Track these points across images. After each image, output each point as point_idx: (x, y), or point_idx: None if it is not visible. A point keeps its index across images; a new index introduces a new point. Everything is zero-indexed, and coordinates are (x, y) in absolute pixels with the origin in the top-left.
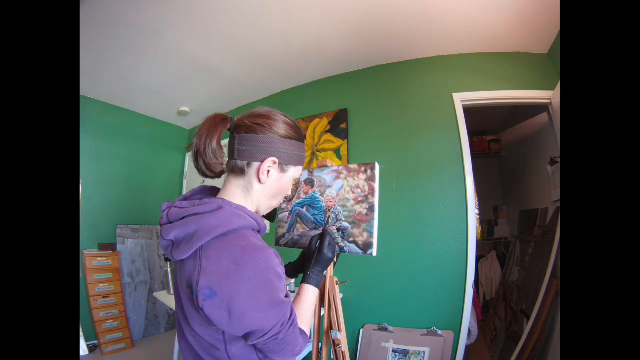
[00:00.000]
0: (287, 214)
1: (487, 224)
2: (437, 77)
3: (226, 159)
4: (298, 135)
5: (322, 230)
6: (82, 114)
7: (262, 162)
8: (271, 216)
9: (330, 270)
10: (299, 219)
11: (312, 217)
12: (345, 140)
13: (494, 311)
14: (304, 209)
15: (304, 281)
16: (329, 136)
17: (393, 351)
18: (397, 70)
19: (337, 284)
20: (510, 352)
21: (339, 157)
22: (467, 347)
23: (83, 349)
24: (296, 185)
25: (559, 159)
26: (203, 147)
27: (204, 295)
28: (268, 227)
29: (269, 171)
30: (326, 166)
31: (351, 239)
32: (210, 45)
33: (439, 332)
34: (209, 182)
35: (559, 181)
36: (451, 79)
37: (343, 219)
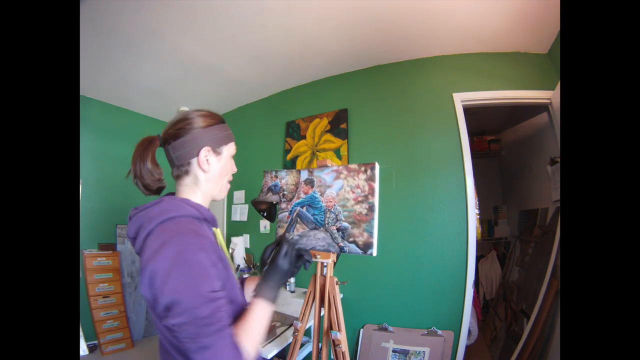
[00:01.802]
0: (287, 213)
1: (487, 224)
2: (437, 77)
3: (163, 174)
4: (216, 119)
5: (279, 238)
6: (82, 114)
7: (198, 155)
8: (271, 216)
9: (330, 270)
10: (298, 219)
11: (312, 217)
12: (345, 140)
13: (494, 311)
14: (304, 209)
15: (254, 293)
16: (329, 136)
17: (393, 351)
18: (397, 70)
19: (337, 284)
20: (510, 352)
21: (339, 157)
22: (467, 347)
23: (83, 349)
24: (296, 185)
25: (559, 159)
26: (139, 170)
27: (141, 277)
28: (267, 227)
29: (207, 160)
30: (326, 166)
31: (351, 239)
32: (210, 45)
33: (439, 332)
34: None
35: (559, 181)
36: (451, 79)
37: (343, 219)
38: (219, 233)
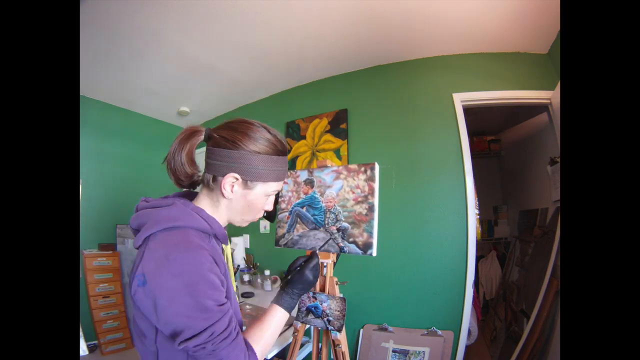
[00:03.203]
0: (287, 214)
1: (487, 224)
2: (437, 77)
3: (198, 172)
4: (275, 149)
5: (312, 252)
6: (82, 114)
7: (224, 177)
8: (271, 216)
9: (330, 270)
10: (298, 219)
11: (311, 217)
12: (345, 141)
13: (494, 311)
14: (304, 209)
15: (274, 300)
16: (328, 136)
17: (393, 351)
18: (397, 70)
19: (337, 284)
20: (510, 352)
21: (339, 157)
22: (467, 347)
23: (83, 349)
24: (297, 184)
25: (559, 159)
26: (173, 162)
27: (138, 281)
28: (267, 227)
29: (233, 186)
30: (326, 166)
31: (351, 239)
32: (210, 45)
33: (439, 332)
34: None
35: (559, 181)
36: (451, 79)
37: (343, 219)
38: (229, 250)
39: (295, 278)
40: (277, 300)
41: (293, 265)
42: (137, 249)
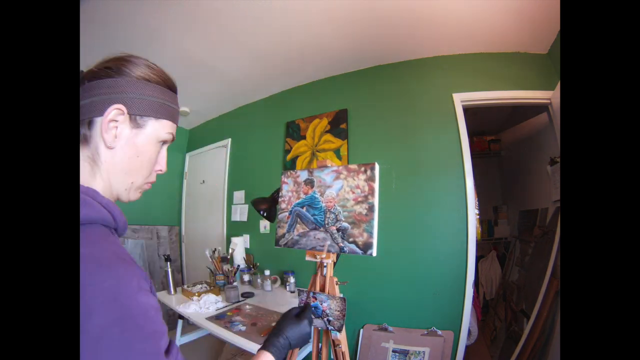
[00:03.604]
0: (287, 214)
1: (487, 224)
2: (437, 77)
3: None
4: (164, 80)
5: (306, 303)
6: None
7: (104, 114)
8: (271, 216)
9: (330, 271)
10: (298, 219)
11: (311, 217)
12: (345, 141)
13: (494, 311)
14: (304, 209)
15: (263, 345)
16: (328, 136)
17: (393, 351)
18: (397, 71)
19: (337, 284)
20: (510, 352)
21: (339, 157)
22: (467, 347)
23: None
24: (297, 184)
25: (559, 159)
26: None
27: None
28: (267, 227)
29: (116, 128)
30: (326, 166)
31: (351, 239)
32: (211, 45)
33: (439, 332)
34: None
35: (559, 181)
36: (451, 79)
37: (343, 219)
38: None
39: (294, 326)
40: (266, 346)
41: (289, 312)
42: None
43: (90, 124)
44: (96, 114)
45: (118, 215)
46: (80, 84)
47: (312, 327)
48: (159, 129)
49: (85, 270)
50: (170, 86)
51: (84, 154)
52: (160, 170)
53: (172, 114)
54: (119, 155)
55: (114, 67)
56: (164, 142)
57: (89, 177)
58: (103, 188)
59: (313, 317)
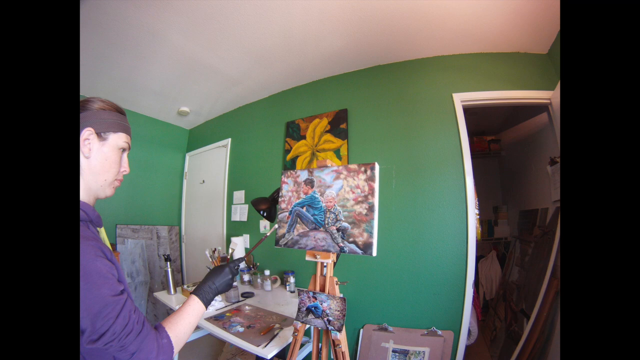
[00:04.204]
0: (287, 214)
1: (487, 224)
2: (437, 77)
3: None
4: (114, 107)
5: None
6: None
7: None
8: (271, 216)
9: (330, 270)
10: (298, 219)
11: (312, 217)
12: (345, 141)
13: (494, 311)
14: (304, 209)
15: (193, 291)
16: (328, 136)
17: (393, 351)
18: (397, 70)
19: (337, 284)
20: (510, 352)
21: (339, 157)
22: (467, 347)
23: None
24: (297, 184)
25: (559, 159)
26: None
27: None
28: (267, 227)
29: (89, 142)
30: (326, 166)
31: (351, 239)
32: (210, 45)
33: (439, 332)
34: None
35: (559, 181)
36: (451, 79)
37: (343, 219)
38: (104, 233)
39: (217, 274)
40: (197, 292)
41: (216, 267)
42: None
43: None
44: None
45: (90, 212)
46: None
47: (233, 276)
48: (118, 139)
49: None
50: (119, 110)
51: None
52: (125, 171)
53: (125, 128)
54: (92, 161)
55: (81, 106)
56: (123, 149)
57: None
58: (84, 189)
59: (237, 269)
